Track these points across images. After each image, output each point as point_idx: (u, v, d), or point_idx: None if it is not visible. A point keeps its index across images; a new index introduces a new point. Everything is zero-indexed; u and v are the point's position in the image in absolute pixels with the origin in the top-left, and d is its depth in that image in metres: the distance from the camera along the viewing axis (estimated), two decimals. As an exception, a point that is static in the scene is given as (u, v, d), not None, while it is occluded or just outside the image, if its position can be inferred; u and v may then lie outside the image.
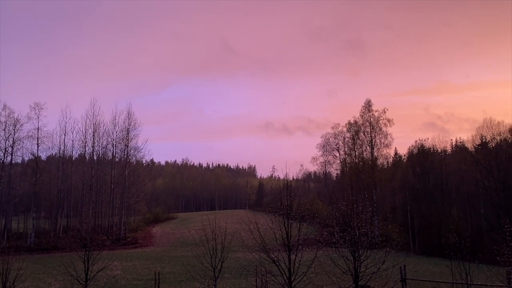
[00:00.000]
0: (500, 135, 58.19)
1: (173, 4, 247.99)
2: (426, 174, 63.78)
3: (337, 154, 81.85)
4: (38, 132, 64.03)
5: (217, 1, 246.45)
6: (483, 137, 59.33)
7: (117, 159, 74.34)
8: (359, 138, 71.60)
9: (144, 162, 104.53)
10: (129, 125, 72.75)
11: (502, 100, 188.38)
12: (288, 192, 19.20)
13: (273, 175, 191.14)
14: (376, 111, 70.35)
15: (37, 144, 64.27)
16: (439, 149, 72.82)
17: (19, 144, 63.79)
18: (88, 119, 70.25)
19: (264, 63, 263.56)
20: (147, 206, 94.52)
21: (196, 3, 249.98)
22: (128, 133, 72.65)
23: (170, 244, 65.86)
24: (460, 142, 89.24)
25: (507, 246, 15.92)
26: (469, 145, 68.15)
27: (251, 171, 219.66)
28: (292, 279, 18.17)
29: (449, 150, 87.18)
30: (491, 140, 58.52)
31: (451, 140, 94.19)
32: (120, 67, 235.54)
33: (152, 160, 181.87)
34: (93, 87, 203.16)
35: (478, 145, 60.62)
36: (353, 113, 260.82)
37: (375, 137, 69.91)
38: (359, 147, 72.29)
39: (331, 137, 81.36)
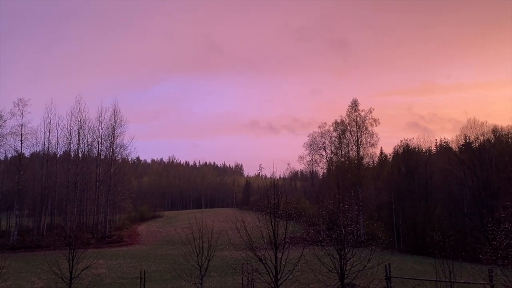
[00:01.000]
0: (484, 136, 59.15)
1: (159, 3, 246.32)
2: (411, 173, 64.52)
3: (324, 153, 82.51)
4: (21, 129, 63.12)
5: (202, 0, 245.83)
6: (467, 137, 60.20)
7: (102, 157, 73.66)
8: (346, 137, 72.15)
9: (130, 160, 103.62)
10: (115, 122, 72.20)
11: (484, 101, 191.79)
12: (275, 190, 19.25)
13: (260, 174, 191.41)
14: (362, 111, 71.00)
15: (21, 141, 63.34)
16: (424, 149, 73.81)
17: (2, 140, 62.91)
18: (73, 116, 69.48)
19: (249, 61, 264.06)
20: (133, 204, 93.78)
21: (181, 2, 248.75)
22: (114, 131, 72.09)
23: (156, 242, 65.51)
24: (445, 142, 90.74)
25: (489, 245, 16.19)
26: (453, 145, 69.21)
27: (238, 169, 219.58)
28: (279, 277, 18.23)
29: (434, 150, 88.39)
30: (475, 140, 59.41)
31: (436, 140, 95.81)
32: (106, 64, 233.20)
33: (138, 158, 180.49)
34: (79, 84, 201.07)
35: (462, 145, 61.49)
36: (338, 112, 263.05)
37: (361, 136, 70.52)
38: (345, 146, 72.85)
39: (318, 136, 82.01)
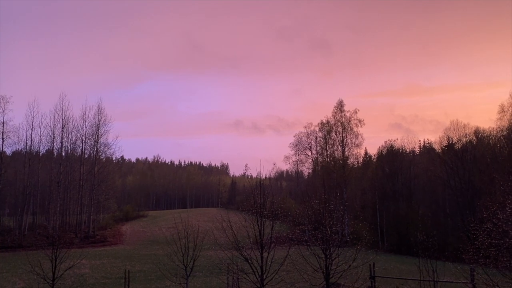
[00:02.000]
0: (466, 137, 60.13)
1: (143, 2, 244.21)
2: (395, 174, 65.26)
3: (309, 153, 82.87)
4: (3, 127, 61.84)
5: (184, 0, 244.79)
6: (450, 139, 61.14)
7: (86, 156, 72.74)
8: (331, 138, 72.59)
9: (114, 159, 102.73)
10: (99, 120, 71.31)
11: (466, 103, 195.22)
12: (262, 190, 19.27)
13: (246, 174, 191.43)
14: (347, 112, 71.53)
15: (2, 139, 62.07)
16: (407, 150, 74.64)
17: (-18, 138, 61.47)
18: (57, 114, 68.38)
19: (231, 61, 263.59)
20: (117, 203, 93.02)
21: (164, 2, 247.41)
22: (98, 129, 71.21)
23: (140, 242, 64.98)
24: (428, 143, 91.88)
25: (471, 244, 16.44)
26: (437, 146, 70.20)
27: (224, 169, 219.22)
28: (264, 277, 18.26)
29: (417, 151, 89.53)
30: (457, 141, 60.36)
31: (419, 141, 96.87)
32: (91, 62, 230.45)
33: (122, 157, 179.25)
34: (63, 82, 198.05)
35: (445, 146, 62.38)
36: (321, 112, 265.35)
37: (346, 137, 71.03)
38: (330, 146, 73.28)
39: (303, 136, 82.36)
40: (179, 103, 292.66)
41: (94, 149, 71.40)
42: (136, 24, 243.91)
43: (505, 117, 53.94)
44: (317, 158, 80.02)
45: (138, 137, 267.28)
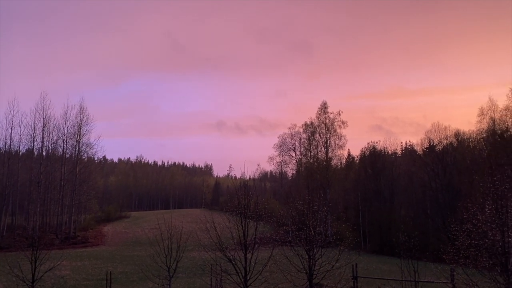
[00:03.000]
0: (447, 139, 61.17)
1: (125, 2, 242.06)
2: (377, 175, 65.94)
3: (293, 154, 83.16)
4: (-19, 125, 60.53)
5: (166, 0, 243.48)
6: (431, 141, 62.10)
7: (67, 155, 71.61)
8: (315, 139, 73.13)
9: (96, 159, 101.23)
10: (81, 120, 70.28)
11: (447, 106, 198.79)
12: (246, 191, 19.28)
13: (230, 174, 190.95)
14: (331, 113, 72.14)
15: (-19, 137, 60.78)
16: (389, 152, 75.55)
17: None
18: (38, 113, 67.13)
19: (213, 61, 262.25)
20: (99, 204, 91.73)
21: (146, 2, 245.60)
22: (80, 129, 70.17)
23: (123, 243, 64.30)
24: (410, 145, 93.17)
25: (452, 245, 16.71)
26: (418, 148, 71.25)
27: (208, 170, 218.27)
28: (248, 278, 18.26)
29: (399, 153, 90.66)
30: (438, 143, 61.33)
31: (401, 143, 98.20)
32: (73, 60, 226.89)
33: (104, 157, 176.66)
34: (44, 81, 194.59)
35: (426, 148, 63.30)
36: (303, 114, 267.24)
37: (330, 138, 71.65)
38: (314, 147, 73.80)
39: (288, 137, 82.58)
40: (163, 103, 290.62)
41: (75, 148, 70.40)
42: (118, 24, 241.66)
43: (484, 120, 55.09)
44: (301, 159, 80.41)
45: (121, 137, 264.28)
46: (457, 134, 63.23)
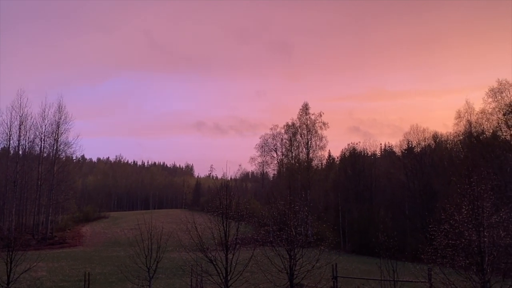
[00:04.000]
0: (425, 141, 62.30)
1: (103, 1, 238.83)
2: (357, 176, 66.70)
3: (275, 155, 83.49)
4: (-45, 123, 58.87)
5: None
6: (410, 143, 63.15)
7: (45, 154, 70.23)
8: (296, 140, 73.56)
9: (74, 158, 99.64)
10: (60, 118, 69.01)
11: (426, 108, 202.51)
12: (228, 191, 19.25)
13: (211, 175, 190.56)
14: (312, 114, 72.66)
15: (-46, 135, 59.10)
16: (369, 153, 76.51)
17: None
18: (14, 111, 65.54)
19: (191, 60, 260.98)
20: (77, 204, 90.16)
21: (125, 1, 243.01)
22: (58, 127, 68.87)
23: (101, 244, 63.40)
24: (389, 146, 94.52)
25: (429, 245, 16.99)
26: (397, 150, 72.39)
27: (189, 170, 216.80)
28: (229, 278, 18.23)
29: (379, 154, 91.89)
30: (417, 145, 62.42)
31: (381, 144, 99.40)
32: (52, 58, 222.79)
33: (83, 156, 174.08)
34: (21, 78, 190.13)
35: (405, 150, 64.37)
36: (284, 114, 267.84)
37: (311, 139, 72.16)
38: (295, 148, 74.28)
39: (269, 138, 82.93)
40: (143, 102, 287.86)
41: (53, 147, 69.07)
42: (98, 22, 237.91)
43: (461, 122, 56.23)
44: (282, 159, 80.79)
45: (100, 136, 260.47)
46: (435, 136, 64.42)
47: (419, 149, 61.70)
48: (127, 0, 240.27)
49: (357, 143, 74.26)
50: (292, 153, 75.22)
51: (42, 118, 68.47)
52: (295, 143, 74.01)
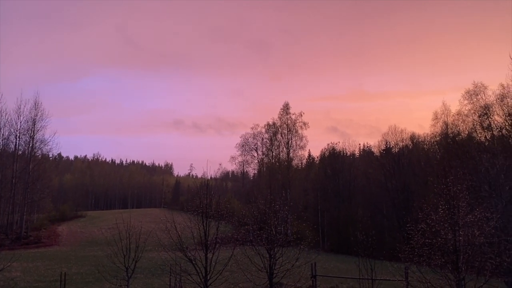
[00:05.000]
0: (403, 142, 63.40)
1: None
2: (336, 175, 67.42)
3: (255, 154, 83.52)
4: None
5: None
6: (388, 143, 64.12)
7: (20, 152, 68.52)
8: (277, 139, 73.79)
9: (51, 156, 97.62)
10: (36, 115, 67.38)
11: (406, 109, 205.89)
12: (208, 190, 19.17)
13: (191, 174, 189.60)
14: (293, 114, 73.02)
15: None
16: (348, 153, 77.39)
17: None
18: (-13, 107, 63.85)
19: (168, 58, 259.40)
20: (53, 203, 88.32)
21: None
22: (34, 124, 67.23)
23: (78, 243, 62.33)
24: (367, 147, 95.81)
25: (407, 244, 17.26)
26: (375, 150, 73.43)
27: (168, 169, 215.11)
28: (208, 278, 18.16)
29: (357, 154, 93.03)
30: (395, 146, 63.44)
31: (359, 144, 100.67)
32: (27, 54, 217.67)
33: (60, 154, 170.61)
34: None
35: (383, 150, 65.34)
36: (262, 114, 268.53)
37: (291, 139, 72.51)
38: (276, 148, 74.49)
39: (250, 137, 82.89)
40: (121, 100, 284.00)
41: (29, 145, 67.46)
42: (73, 19, 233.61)
43: (438, 124, 57.41)
44: (262, 159, 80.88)
45: (77, 134, 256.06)
46: (412, 137, 65.62)
47: (397, 150, 62.70)
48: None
49: (336, 143, 75.13)
50: (272, 152, 75.45)
51: (18, 115, 66.77)
52: (276, 143, 74.27)
